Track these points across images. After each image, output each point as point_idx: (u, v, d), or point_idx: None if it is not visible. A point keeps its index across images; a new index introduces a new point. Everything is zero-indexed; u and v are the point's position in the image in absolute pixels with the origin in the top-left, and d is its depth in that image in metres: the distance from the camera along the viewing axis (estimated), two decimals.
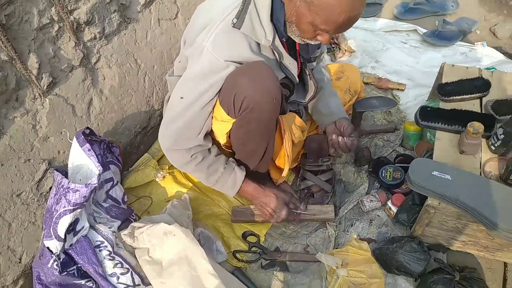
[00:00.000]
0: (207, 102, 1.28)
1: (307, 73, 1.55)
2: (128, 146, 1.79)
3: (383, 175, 1.66)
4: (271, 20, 1.26)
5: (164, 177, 1.76)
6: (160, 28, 1.80)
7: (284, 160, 1.60)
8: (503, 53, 2.18)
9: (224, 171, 1.44)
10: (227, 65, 1.22)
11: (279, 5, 1.23)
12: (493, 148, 1.42)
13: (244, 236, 1.62)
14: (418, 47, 2.30)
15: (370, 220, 1.62)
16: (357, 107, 1.73)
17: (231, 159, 1.49)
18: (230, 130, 1.35)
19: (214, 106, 1.31)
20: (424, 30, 2.35)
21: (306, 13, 1.14)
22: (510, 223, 1.21)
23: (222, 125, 1.33)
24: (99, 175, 1.32)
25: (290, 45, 1.39)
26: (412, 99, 2.02)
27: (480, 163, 1.43)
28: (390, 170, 1.67)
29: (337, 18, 1.11)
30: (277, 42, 1.31)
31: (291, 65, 1.41)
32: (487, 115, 1.51)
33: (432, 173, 1.34)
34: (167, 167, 1.78)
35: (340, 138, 1.55)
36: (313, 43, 1.28)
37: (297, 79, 1.46)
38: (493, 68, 1.96)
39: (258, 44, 1.28)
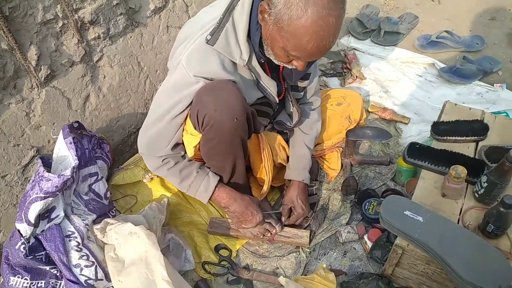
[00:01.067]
0: (176, 114, 1.32)
1: (290, 99, 1.55)
2: (120, 145, 1.84)
3: (366, 208, 1.61)
4: (249, 39, 1.27)
5: (152, 179, 1.79)
6: (168, 34, 1.85)
7: (265, 178, 1.59)
8: None
9: (197, 175, 1.46)
10: (196, 81, 1.24)
11: (255, 27, 1.24)
12: (477, 195, 1.35)
13: (217, 248, 1.62)
14: (433, 82, 2.23)
15: (345, 251, 1.58)
16: (349, 135, 1.71)
17: (205, 165, 1.50)
18: (198, 145, 1.37)
19: (185, 119, 1.34)
20: (442, 65, 2.28)
21: (278, 37, 1.14)
22: (475, 277, 1.14)
23: (191, 139, 1.36)
24: (74, 168, 1.37)
25: (273, 68, 1.40)
26: (415, 134, 1.96)
27: (461, 210, 1.36)
28: (374, 203, 1.62)
29: (305, 45, 1.10)
30: (254, 62, 1.32)
31: (270, 85, 1.40)
32: (478, 161, 1.45)
33: (404, 212, 1.29)
34: None
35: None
36: (289, 67, 1.27)
37: (277, 100, 1.46)
38: (505, 113, 1.87)
39: (234, 63, 1.29)
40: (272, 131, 1.65)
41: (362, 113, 1.87)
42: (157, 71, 1.87)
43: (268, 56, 1.27)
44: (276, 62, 1.27)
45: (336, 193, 1.75)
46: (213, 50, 1.22)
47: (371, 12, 2.68)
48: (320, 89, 1.80)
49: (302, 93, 1.58)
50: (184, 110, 1.30)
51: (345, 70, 2.28)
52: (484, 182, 1.31)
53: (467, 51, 2.40)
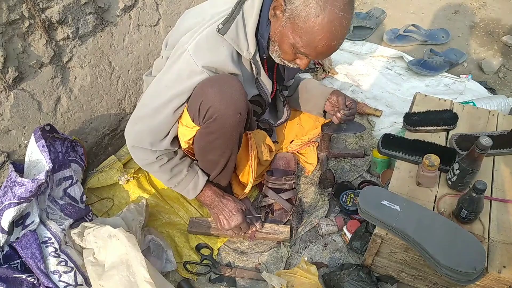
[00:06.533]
0: (177, 106, 1.29)
1: (282, 99, 1.57)
2: (94, 147, 1.80)
3: (344, 200, 1.64)
4: (256, 34, 1.28)
5: (128, 180, 1.76)
6: (139, 33, 1.83)
7: (248, 176, 1.60)
8: (486, 88, 2.16)
9: (187, 173, 1.45)
10: (201, 71, 1.22)
11: (266, 22, 1.26)
12: (450, 183, 1.40)
13: (198, 248, 1.61)
14: (402, 75, 2.29)
15: (325, 244, 1.60)
16: (324, 129, 1.73)
17: (195, 162, 1.50)
18: (193, 137, 1.35)
19: (183, 112, 1.32)
20: (411, 58, 2.34)
21: (290, 34, 1.17)
22: (451, 261, 1.18)
23: (186, 131, 1.34)
24: (48, 171, 1.33)
25: (269, 67, 1.42)
26: (388, 126, 2.01)
27: (436, 197, 1.40)
28: (351, 195, 1.65)
29: (317, 44, 1.15)
30: (257, 58, 1.34)
31: (267, 83, 1.43)
32: (449, 149, 1.49)
33: (382, 202, 1.32)
34: (132, 171, 1.78)
35: (338, 114, 1.57)
36: (291, 66, 1.30)
37: (270, 99, 1.48)
38: (472, 102, 1.94)
39: (239, 56, 1.29)
40: (257, 129, 1.66)
41: None
42: (129, 70, 1.84)
43: (271, 53, 1.29)
44: (277, 59, 1.30)
45: (314, 186, 1.77)
46: (223, 41, 1.22)
47: None
48: None
49: (287, 92, 1.65)
50: (185, 102, 1.28)
51: (317, 66, 2.31)
52: (456, 170, 1.35)
53: (434, 43, 2.48)
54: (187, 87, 1.25)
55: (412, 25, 2.51)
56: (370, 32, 2.57)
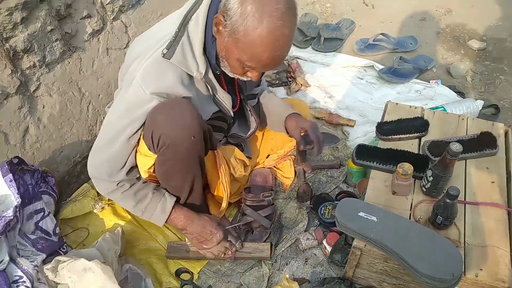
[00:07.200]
0: (130, 135, 1.27)
1: (248, 109, 1.56)
2: (66, 176, 1.76)
3: (322, 212, 1.64)
4: (205, 53, 1.26)
5: (103, 208, 1.73)
6: (109, 57, 1.81)
7: (223, 194, 1.58)
8: (456, 92, 2.20)
9: (153, 196, 1.41)
10: (151, 99, 1.20)
11: (211, 39, 1.24)
12: (424, 189, 1.41)
13: (178, 273, 1.58)
14: (373, 83, 2.32)
15: (306, 259, 1.59)
16: (300, 142, 1.72)
17: (161, 186, 1.46)
18: (153, 166, 1.33)
19: (138, 140, 1.30)
20: (381, 66, 2.38)
21: (234, 49, 1.16)
22: (430, 269, 1.18)
23: (145, 160, 1.31)
24: (16, 207, 1.29)
25: (228, 81, 1.40)
26: (362, 135, 2.02)
27: (412, 205, 1.41)
28: (330, 207, 1.65)
29: (261, 56, 1.13)
30: (210, 75, 1.31)
31: (225, 99, 1.40)
32: (422, 156, 1.51)
33: (359, 213, 1.31)
34: (107, 198, 1.74)
35: (302, 146, 1.56)
36: (244, 79, 1.28)
37: (232, 113, 1.46)
38: (442, 107, 1.97)
39: (191, 77, 1.28)
40: (226, 145, 1.64)
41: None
42: (99, 95, 1.81)
43: (223, 68, 1.28)
44: (230, 74, 1.28)
45: (292, 201, 1.77)
46: (170, 65, 1.20)
47: (310, 20, 2.76)
48: None
49: (256, 100, 1.63)
50: (138, 130, 1.25)
51: (289, 79, 2.32)
52: (429, 176, 1.36)
53: (403, 51, 2.52)
54: (139, 115, 1.23)
55: (381, 33, 2.55)
56: (341, 43, 2.60)
